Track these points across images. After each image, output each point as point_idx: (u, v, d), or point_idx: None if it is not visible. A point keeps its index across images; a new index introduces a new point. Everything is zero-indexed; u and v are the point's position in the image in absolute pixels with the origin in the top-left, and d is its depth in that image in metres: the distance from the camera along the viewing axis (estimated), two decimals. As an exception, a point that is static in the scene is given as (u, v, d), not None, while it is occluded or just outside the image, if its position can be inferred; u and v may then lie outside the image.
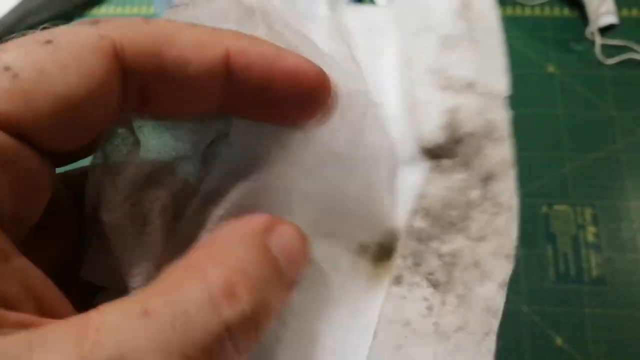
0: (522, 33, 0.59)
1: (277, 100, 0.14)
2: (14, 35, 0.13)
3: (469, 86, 0.20)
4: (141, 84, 0.13)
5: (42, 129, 0.12)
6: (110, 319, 0.11)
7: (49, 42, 0.12)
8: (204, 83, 0.13)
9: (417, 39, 0.21)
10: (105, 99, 0.12)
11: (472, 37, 0.21)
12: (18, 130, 0.11)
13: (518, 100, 0.55)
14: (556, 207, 0.49)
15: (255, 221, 0.15)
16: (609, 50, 0.56)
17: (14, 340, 0.10)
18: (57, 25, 0.53)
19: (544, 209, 0.49)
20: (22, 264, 0.12)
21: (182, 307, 0.11)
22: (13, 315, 0.11)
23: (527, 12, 0.60)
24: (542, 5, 0.61)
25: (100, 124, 0.13)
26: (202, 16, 0.16)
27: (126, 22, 0.13)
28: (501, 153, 0.17)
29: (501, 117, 0.17)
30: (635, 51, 0.56)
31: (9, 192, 0.11)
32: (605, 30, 0.58)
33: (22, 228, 0.13)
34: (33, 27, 0.58)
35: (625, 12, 0.59)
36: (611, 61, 0.56)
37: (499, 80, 0.19)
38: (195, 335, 0.11)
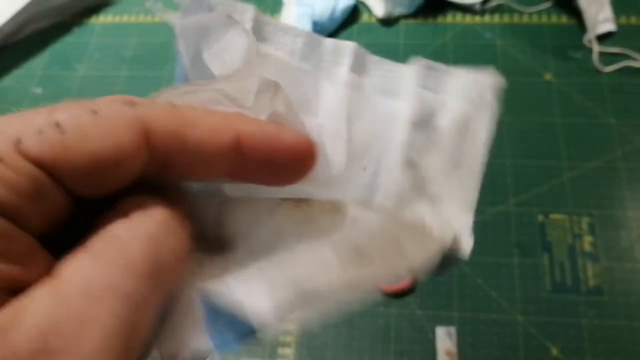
0: (519, 41, 0.59)
1: (274, 170, 0.17)
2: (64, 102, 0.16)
3: (433, 201, 0.20)
4: (164, 157, 0.16)
5: (74, 177, 0.15)
6: (74, 263, 0.14)
7: (94, 112, 0.15)
8: (217, 159, 0.17)
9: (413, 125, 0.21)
10: (129, 166, 0.15)
11: (460, 158, 0.21)
12: (54, 173, 0.14)
13: (515, 108, 0.55)
14: (552, 216, 0.49)
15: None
16: (607, 58, 0.57)
17: (8, 307, 0.13)
18: (56, 31, 0.53)
19: (540, 217, 0.49)
20: (46, 257, 0.15)
21: (114, 232, 0.15)
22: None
23: (525, 19, 0.61)
24: (539, 12, 0.61)
25: (122, 183, 0.16)
26: (227, 90, 0.18)
27: (158, 107, 0.16)
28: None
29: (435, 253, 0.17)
30: (634, 59, 0.56)
31: (38, 219, 0.15)
32: (603, 38, 0.58)
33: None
34: (32, 35, 0.59)
35: (623, 20, 0.59)
36: (609, 69, 0.56)
37: (460, 219, 0.19)
38: (128, 249, 0.14)
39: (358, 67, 0.22)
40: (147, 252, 0.14)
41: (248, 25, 0.21)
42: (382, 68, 0.22)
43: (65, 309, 0.13)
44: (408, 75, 0.22)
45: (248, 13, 0.21)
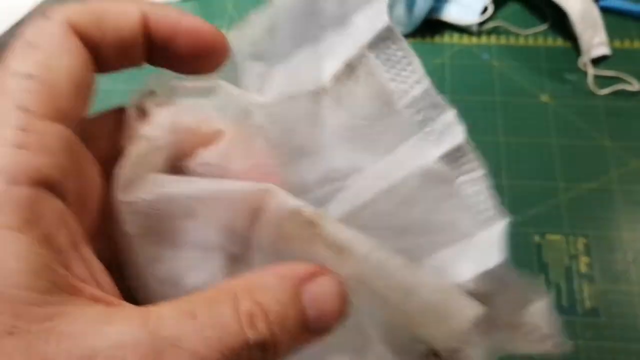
0: (516, 62, 0.61)
1: (184, 53, 0.19)
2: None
3: None
4: (94, 46, 0.18)
5: (76, 110, 0.17)
6: (167, 312, 0.15)
7: (32, 46, 0.17)
8: (131, 39, 0.19)
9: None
10: (92, 71, 0.18)
11: None
12: (63, 119, 0.16)
13: (512, 129, 0.57)
14: (549, 236, 0.51)
15: (298, 268, 0.18)
16: (602, 81, 0.59)
17: (96, 311, 0.14)
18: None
19: (537, 238, 0.51)
20: (88, 253, 0.16)
21: (217, 318, 0.15)
22: (88, 289, 0.15)
23: (522, 41, 0.63)
24: (536, 34, 0.63)
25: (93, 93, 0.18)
26: (206, 106, 0.19)
27: (75, 6, 0.18)
28: None
29: None
30: (627, 82, 0.58)
31: (72, 171, 0.16)
32: (598, 61, 0.60)
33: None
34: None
35: (617, 44, 0.61)
36: (604, 91, 0.58)
37: None
38: (226, 339, 0.15)
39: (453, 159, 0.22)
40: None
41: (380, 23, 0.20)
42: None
43: (151, 346, 0.14)
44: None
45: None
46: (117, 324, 0.14)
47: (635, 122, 0.56)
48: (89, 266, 0.16)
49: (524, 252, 0.50)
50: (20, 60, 0.16)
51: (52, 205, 0.15)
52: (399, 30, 0.67)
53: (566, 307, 0.47)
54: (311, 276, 0.17)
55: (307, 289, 0.17)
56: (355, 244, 0.18)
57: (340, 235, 0.18)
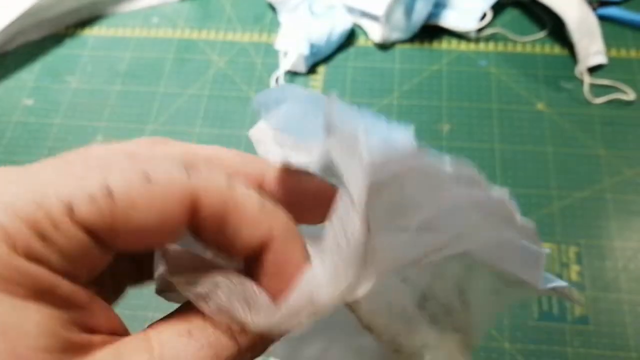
0: (513, 69, 0.62)
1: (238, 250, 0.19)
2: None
3: None
4: (201, 229, 0.17)
5: (115, 240, 0.16)
6: (166, 337, 0.16)
7: (148, 179, 0.15)
8: (238, 247, 0.18)
9: None
10: (170, 235, 0.17)
11: None
12: (99, 236, 0.16)
13: (508, 136, 0.58)
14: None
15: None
16: (597, 90, 0.60)
17: (105, 353, 0.15)
18: (48, 43, 0.55)
19: (530, 246, 0.52)
20: (101, 302, 0.17)
21: (211, 335, 0.17)
22: (99, 338, 0.16)
23: (519, 48, 0.64)
24: (533, 42, 0.64)
25: (160, 244, 0.18)
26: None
27: (213, 180, 0.17)
28: None
29: None
30: (623, 91, 0.59)
31: (84, 275, 0.16)
32: (594, 70, 0.61)
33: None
34: (23, 46, 0.61)
35: (614, 52, 0.62)
36: (599, 100, 0.59)
37: None
38: (221, 353, 0.16)
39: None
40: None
41: None
42: None
43: None
44: None
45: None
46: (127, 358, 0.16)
47: (630, 132, 0.58)
48: (102, 308, 0.17)
49: (517, 260, 0.51)
50: (122, 172, 0.16)
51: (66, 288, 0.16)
52: (397, 36, 0.68)
53: (556, 315, 0.49)
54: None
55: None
56: None
57: None
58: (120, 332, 0.17)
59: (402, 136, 0.17)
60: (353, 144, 0.16)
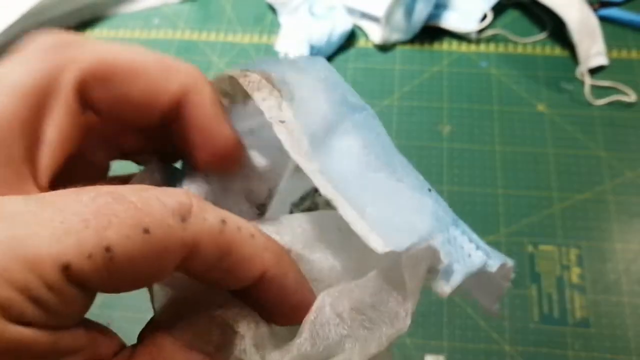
0: (514, 71, 0.62)
1: (196, 148, 0.20)
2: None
3: None
4: (196, 273, 0.17)
5: (105, 289, 0.16)
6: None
7: (147, 231, 0.15)
8: (236, 285, 0.18)
9: None
10: (162, 279, 0.17)
11: None
12: (87, 287, 0.15)
13: (508, 138, 0.58)
14: (542, 246, 0.52)
15: None
16: (598, 91, 0.60)
17: None
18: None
19: (530, 248, 0.52)
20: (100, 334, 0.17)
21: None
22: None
23: (520, 49, 0.64)
24: (534, 43, 0.64)
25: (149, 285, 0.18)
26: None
27: (208, 227, 0.16)
28: None
29: None
30: (624, 93, 0.59)
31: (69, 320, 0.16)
32: (595, 71, 0.61)
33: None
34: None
35: (615, 54, 0.62)
36: (600, 102, 0.59)
37: None
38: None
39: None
40: None
41: None
42: None
43: None
44: None
45: None
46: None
47: (631, 133, 0.57)
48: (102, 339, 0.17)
49: (517, 262, 0.51)
50: (118, 230, 0.16)
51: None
52: (397, 37, 0.68)
53: (557, 317, 0.49)
54: None
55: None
56: None
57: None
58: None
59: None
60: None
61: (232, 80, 0.21)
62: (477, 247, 0.20)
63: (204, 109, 0.19)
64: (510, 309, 0.49)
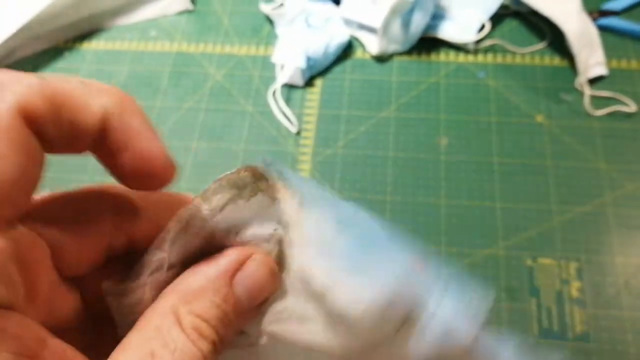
0: (512, 81, 0.62)
1: (126, 167, 0.19)
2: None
3: None
4: (45, 128, 0.17)
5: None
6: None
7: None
8: (85, 130, 0.18)
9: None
10: (36, 164, 0.17)
11: None
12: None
13: (508, 149, 0.58)
14: (541, 260, 0.51)
15: (225, 261, 0.20)
16: (598, 102, 0.59)
17: None
18: (47, 57, 0.55)
19: (529, 261, 0.51)
20: (56, 344, 0.17)
21: (173, 346, 0.17)
22: None
23: (518, 60, 0.64)
24: (532, 53, 0.64)
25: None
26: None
27: (28, 81, 0.17)
28: None
29: None
30: (624, 103, 0.59)
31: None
32: (594, 81, 0.61)
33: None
34: (22, 60, 0.61)
35: (614, 64, 0.62)
36: (600, 112, 0.58)
37: None
38: None
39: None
40: None
41: None
42: None
43: None
44: None
45: None
46: None
47: (631, 145, 0.57)
48: (61, 356, 0.17)
49: (516, 276, 0.51)
50: None
51: (9, 320, 0.16)
52: (394, 48, 0.67)
53: (557, 332, 0.48)
54: (239, 265, 0.20)
55: (238, 280, 0.20)
56: None
57: None
58: None
59: (466, 326, 0.19)
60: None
61: (251, 172, 0.20)
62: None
63: (129, 125, 0.18)
64: (510, 323, 0.49)
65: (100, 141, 0.18)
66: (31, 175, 0.16)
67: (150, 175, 0.19)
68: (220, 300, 0.19)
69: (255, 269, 0.20)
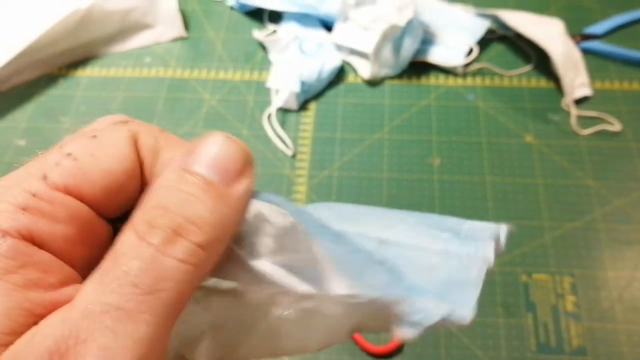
0: (501, 103, 0.64)
1: None
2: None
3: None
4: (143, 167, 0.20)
5: (95, 194, 0.18)
6: (82, 285, 0.16)
7: (94, 137, 0.18)
8: None
9: None
10: (134, 173, 0.19)
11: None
12: (79, 194, 0.18)
13: (498, 169, 0.59)
14: (535, 275, 0.52)
15: (178, 156, 0.18)
16: (584, 121, 0.61)
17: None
18: (42, 83, 0.56)
19: (524, 277, 0.52)
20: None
21: (120, 250, 0.16)
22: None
23: (506, 82, 0.66)
24: (519, 76, 0.66)
25: (132, 194, 0.19)
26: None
27: (143, 123, 0.20)
28: None
29: None
30: (609, 122, 0.61)
31: (79, 246, 0.18)
32: (580, 102, 0.63)
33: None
34: (17, 86, 0.62)
35: (598, 85, 0.64)
36: (586, 132, 0.61)
37: None
38: (132, 265, 0.15)
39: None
40: (144, 271, 0.15)
41: None
42: None
43: (68, 330, 0.15)
44: None
45: None
46: None
47: (617, 162, 0.59)
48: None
49: (512, 292, 0.52)
50: (75, 143, 0.18)
51: (41, 256, 0.16)
52: (386, 72, 0.69)
53: (554, 347, 0.49)
54: (190, 151, 0.18)
55: (191, 161, 0.17)
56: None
57: None
58: None
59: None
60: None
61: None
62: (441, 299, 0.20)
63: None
64: (507, 339, 0.49)
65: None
66: (122, 185, 0.18)
67: None
68: (177, 187, 0.17)
69: (212, 144, 0.18)
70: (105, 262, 0.16)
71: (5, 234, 0.16)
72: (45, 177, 0.17)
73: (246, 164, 0.18)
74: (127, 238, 0.16)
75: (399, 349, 0.49)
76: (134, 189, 0.19)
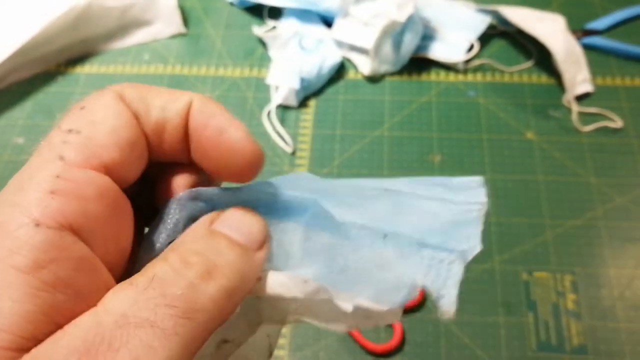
0: (502, 99, 0.63)
1: (214, 161, 0.21)
2: None
3: None
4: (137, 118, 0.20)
5: (113, 157, 0.18)
6: (112, 293, 0.17)
7: (83, 107, 0.19)
8: (174, 122, 0.20)
9: None
10: (134, 124, 0.19)
11: None
12: (100, 165, 0.18)
13: (499, 166, 0.59)
14: (536, 274, 0.52)
15: (203, 218, 0.20)
16: (585, 118, 0.61)
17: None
18: (40, 81, 0.55)
19: (525, 275, 0.52)
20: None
21: (153, 274, 0.17)
22: None
23: (507, 78, 0.65)
24: (520, 72, 0.66)
25: (141, 149, 0.20)
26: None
27: (124, 84, 0.20)
28: None
29: None
30: (610, 119, 0.60)
31: (106, 217, 0.18)
32: (581, 98, 0.62)
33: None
34: (15, 84, 0.61)
35: (599, 81, 0.64)
36: (587, 128, 0.60)
37: None
38: (170, 290, 0.16)
39: None
40: (182, 297, 0.16)
41: None
42: None
43: (100, 337, 0.15)
44: None
45: None
46: None
47: (619, 159, 0.58)
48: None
49: (513, 290, 0.51)
50: (69, 118, 0.18)
51: (75, 249, 0.16)
52: (386, 69, 0.69)
53: (554, 345, 0.49)
54: (217, 215, 0.20)
55: (218, 223, 0.19)
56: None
57: None
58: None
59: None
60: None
61: None
62: (450, 252, 0.21)
63: (213, 110, 0.20)
64: (507, 337, 0.49)
65: (186, 131, 0.20)
66: (130, 138, 0.19)
67: (240, 164, 0.20)
68: (201, 234, 0.19)
69: (235, 213, 0.20)
70: (139, 280, 0.17)
71: (40, 223, 0.16)
72: (62, 158, 0.17)
73: (267, 236, 0.20)
74: (159, 267, 0.17)
75: (399, 347, 0.49)
76: (140, 142, 0.19)
